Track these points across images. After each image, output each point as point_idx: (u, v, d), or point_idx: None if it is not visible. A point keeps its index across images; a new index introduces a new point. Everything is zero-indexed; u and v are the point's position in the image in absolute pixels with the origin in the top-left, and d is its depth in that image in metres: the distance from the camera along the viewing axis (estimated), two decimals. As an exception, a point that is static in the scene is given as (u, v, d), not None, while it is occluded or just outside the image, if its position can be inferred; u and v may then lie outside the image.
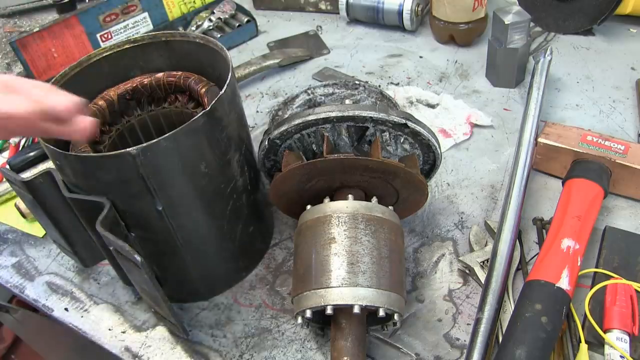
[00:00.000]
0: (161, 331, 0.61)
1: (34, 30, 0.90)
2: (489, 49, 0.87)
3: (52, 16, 1.11)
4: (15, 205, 0.75)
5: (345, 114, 0.56)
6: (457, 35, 0.96)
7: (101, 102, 0.60)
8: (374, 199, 0.57)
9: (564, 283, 0.53)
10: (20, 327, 1.03)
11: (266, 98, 0.92)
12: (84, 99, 0.48)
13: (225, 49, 0.56)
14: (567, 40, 0.95)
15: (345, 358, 0.50)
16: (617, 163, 0.65)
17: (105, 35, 0.98)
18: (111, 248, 0.50)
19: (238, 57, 1.02)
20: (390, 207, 0.57)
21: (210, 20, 1.06)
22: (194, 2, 1.08)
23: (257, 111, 0.90)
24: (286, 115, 0.75)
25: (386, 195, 0.60)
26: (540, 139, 0.69)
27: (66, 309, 0.64)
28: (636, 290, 0.55)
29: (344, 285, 0.50)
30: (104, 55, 0.60)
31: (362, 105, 0.63)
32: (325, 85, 0.77)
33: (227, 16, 1.08)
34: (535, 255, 0.62)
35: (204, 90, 0.58)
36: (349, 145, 0.60)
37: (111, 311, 0.63)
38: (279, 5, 1.16)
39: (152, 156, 0.48)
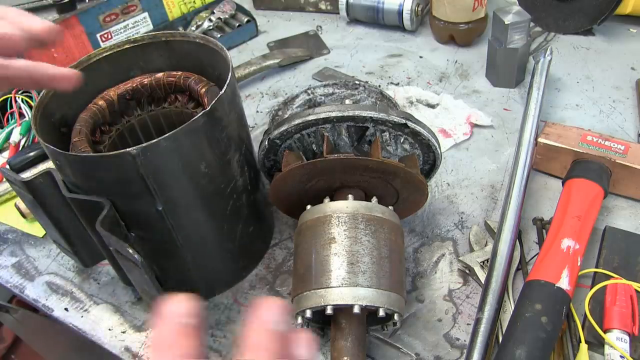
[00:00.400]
0: (161, 331, 0.61)
1: (34, 30, 0.90)
2: (489, 49, 0.87)
3: (52, 16, 1.10)
4: (15, 205, 0.75)
5: (345, 114, 0.56)
6: (457, 35, 0.96)
7: (101, 102, 0.60)
8: (374, 199, 0.57)
9: (564, 283, 0.53)
10: (20, 327, 1.03)
11: (266, 98, 0.92)
12: (59, 26, 0.50)
13: (225, 49, 0.56)
14: (567, 40, 0.95)
15: (345, 358, 0.50)
16: (617, 163, 0.65)
17: (105, 35, 0.98)
18: (111, 248, 0.50)
19: (238, 57, 1.02)
20: (390, 207, 0.57)
21: (210, 20, 1.06)
22: (194, 2, 1.08)
23: (257, 111, 0.90)
24: (286, 115, 0.75)
25: (386, 195, 0.60)
26: (540, 139, 0.69)
27: (66, 309, 0.64)
28: (636, 290, 0.55)
29: (344, 285, 0.50)
30: (104, 55, 0.60)
31: (362, 105, 0.63)
32: (325, 85, 0.77)
33: (227, 16, 1.08)
34: (535, 255, 0.62)
35: (204, 90, 0.58)
36: (349, 145, 0.60)
37: (111, 311, 0.63)
38: (279, 5, 1.16)
39: (152, 156, 0.48)
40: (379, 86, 0.86)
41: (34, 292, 0.67)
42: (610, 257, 0.59)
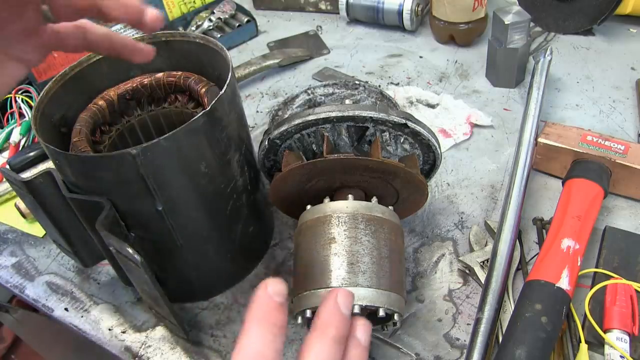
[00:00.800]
0: (161, 331, 0.61)
1: (34, 30, 0.90)
2: (489, 49, 0.87)
3: (52, 16, 1.10)
4: (15, 205, 0.75)
5: (345, 114, 0.56)
6: (457, 35, 0.96)
7: (101, 102, 0.60)
8: (374, 199, 0.57)
9: (564, 283, 0.53)
10: (20, 327, 1.03)
11: (266, 98, 0.92)
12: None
13: (225, 49, 0.56)
14: (567, 40, 0.95)
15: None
16: (617, 163, 0.65)
17: (105, 35, 0.98)
18: (111, 248, 0.50)
19: (238, 57, 1.02)
20: (390, 207, 0.57)
21: (210, 20, 1.06)
22: (194, 2, 1.08)
23: (257, 111, 0.90)
24: (286, 115, 0.75)
25: (386, 195, 0.60)
26: (540, 139, 0.69)
27: (66, 309, 0.64)
28: (636, 290, 0.55)
29: (344, 285, 0.50)
30: (104, 55, 0.60)
31: (362, 105, 0.63)
32: (325, 85, 0.77)
33: (227, 16, 1.08)
34: (535, 255, 0.62)
35: (204, 90, 0.58)
36: (349, 145, 0.60)
37: (111, 311, 0.64)
38: (279, 5, 1.16)
39: (152, 156, 0.48)
40: (379, 86, 0.86)
41: (34, 292, 0.67)
42: (610, 257, 0.59)
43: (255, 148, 0.62)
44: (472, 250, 0.64)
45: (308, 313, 0.51)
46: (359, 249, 0.52)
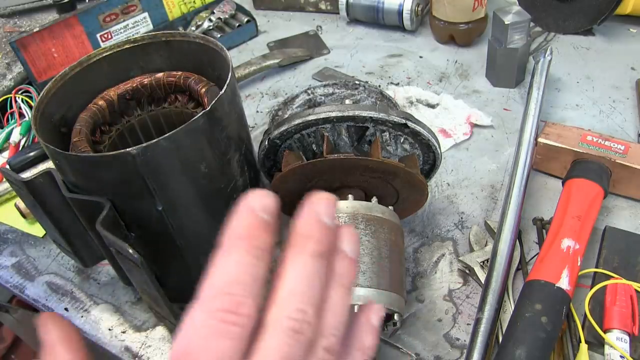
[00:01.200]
0: (161, 331, 0.61)
1: (34, 30, 0.90)
2: (489, 49, 0.87)
3: (52, 16, 1.10)
4: (15, 205, 0.75)
5: (345, 114, 0.56)
6: (457, 35, 0.96)
7: (101, 102, 0.60)
8: (374, 199, 0.57)
9: (564, 283, 0.53)
10: (20, 327, 1.03)
11: (266, 98, 0.92)
12: None
13: (225, 49, 0.56)
14: (567, 40, 0.95)
15: (345, 358, 0.50)
16: (617, 163, 0.65)
17: (105, 35, 0.98)
18: (111, 248, 0.50)
19: (238, 57, 1.02)
20: (390, 207, 0.57)
21: (210, 20, 1.06)
22: (194, 2, 1.08)
23: (257, 111, 0.90)
24: (286, 115, 0.75)
25: (386, 195, 0.60)
26: (540, 139, 0.69)
27: (66, 309, 0.64)
28: (636, 290, 0.55)
29: (344, 285, 0.50)
30: (104, 55, 0.60)
31: (362, 105, 0.63)
32: (325, 85, 0.77)
33: (227, 16, 1.08)
34: (535, 255, 0.62)
35: (204, 90, 0.58)
36: (349, 145, 0.60)
37: (111, 311, 0.63)
38: (279, 5, 1.16)
39: (152, 156, 0.48)
40: (379, 86, 0.86)
41: (34, 292, 0.67)
42: (610, 257, 0.59)
43: (255, 148, 0.62)
44: (472, 250, 0.64)
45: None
46: (359, 249, 0.52)
